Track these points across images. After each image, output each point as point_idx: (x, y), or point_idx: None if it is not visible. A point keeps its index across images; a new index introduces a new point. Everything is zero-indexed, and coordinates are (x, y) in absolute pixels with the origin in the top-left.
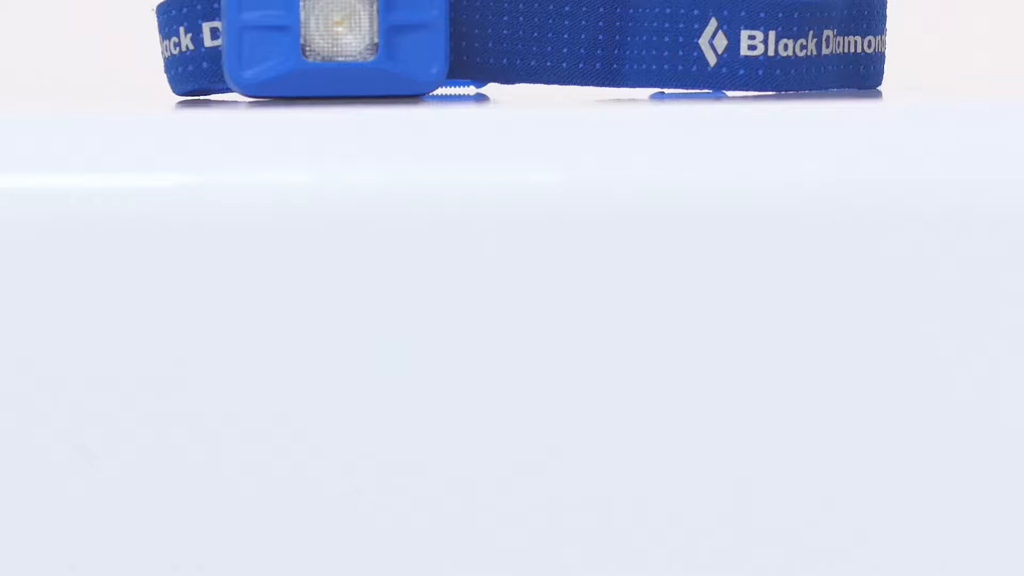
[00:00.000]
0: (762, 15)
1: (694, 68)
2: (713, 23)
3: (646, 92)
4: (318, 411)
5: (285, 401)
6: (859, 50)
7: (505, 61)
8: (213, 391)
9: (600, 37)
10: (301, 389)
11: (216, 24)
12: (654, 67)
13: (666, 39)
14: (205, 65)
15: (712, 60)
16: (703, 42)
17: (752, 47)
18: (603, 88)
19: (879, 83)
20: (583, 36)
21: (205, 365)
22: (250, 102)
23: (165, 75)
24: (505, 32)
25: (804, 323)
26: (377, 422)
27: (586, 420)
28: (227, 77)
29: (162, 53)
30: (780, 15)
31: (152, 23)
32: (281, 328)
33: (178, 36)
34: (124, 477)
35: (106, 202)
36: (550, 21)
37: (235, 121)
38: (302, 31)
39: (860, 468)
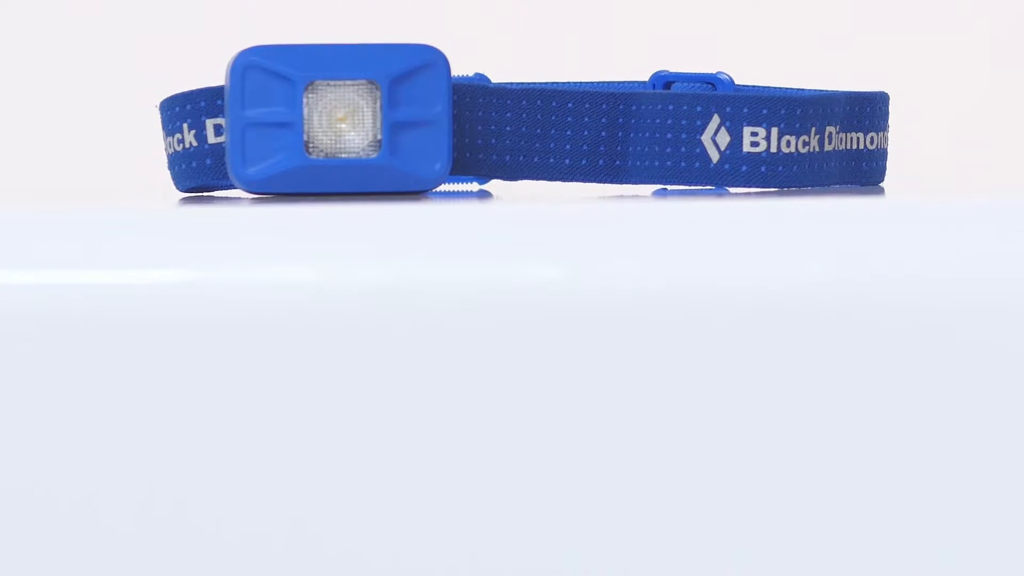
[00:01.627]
0: (764, 112)
1: (697, 165)
2: (716, 120)
3: (649, 189)
4: (323, 512)
5: (287, 501)
6: (861, 146)
7: (508, 158)
8: (215, 484)
9: (603, 134)
10: (302, 486)
11: (219, 121)
12: (657, 164)
13: (668, 136)
14: (208, 162)
15: (715, 157)
16: (706, 139)
17: (755, 144)
18: (606, 185)
19: (881, 179)
20: (586, 133)
21: (207, 458)
22: (253, 199)
23: (168, 171)
24: (508, 129)
25: (805, 419)
26: (381, 522)
27: (593, 529)
28: (230, 174)
29: (165, 149)
30: (783, 112)
31: (155, 120)
32: (282, 426)
33: (182, 133)
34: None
35: (109, 299)
36: (553, 118)
37: (238, 218)
38: (305, 128)
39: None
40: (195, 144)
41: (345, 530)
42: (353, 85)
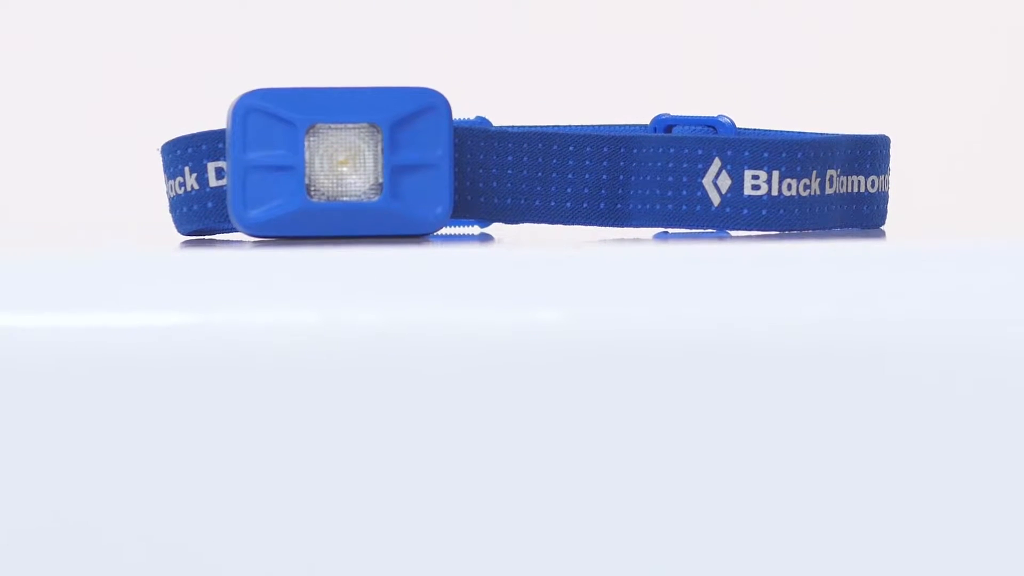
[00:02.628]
0: (765, 155)
1: (698, 208)
2: (717, 163)
3: (650, 232)
4: (327, 551)
5: (289, 541)
6: (862, 190)
7: (509, 201)
8: (218, 525)
9: (604, 177)
10: (305, 527)
11: (221, 164)
12: (658, 207)
13: (670, 179)
14: (210, 205)
15: (716, 200)
16: (707, 182)
17: (756, 187)
18: (607, 228)
19: (883, 223)
20: (587, 176)
21: (212, 500)
22: (255, 242)
23: (170, 214)
24: (509, 172)
25: (804, 462)
26: (383, 553)
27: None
28: (232, 217)
29: (167, 193)
30: (783, 155)
31: (157, 163)
32: (283, 469)
33: (183, 176)
34: None
35: (111, 343)
36: (554, 161)
37: (240, 261)
38: (307, 171)
39: None
40: (196, 187)
41: (349, 564)
42: (354, 128)
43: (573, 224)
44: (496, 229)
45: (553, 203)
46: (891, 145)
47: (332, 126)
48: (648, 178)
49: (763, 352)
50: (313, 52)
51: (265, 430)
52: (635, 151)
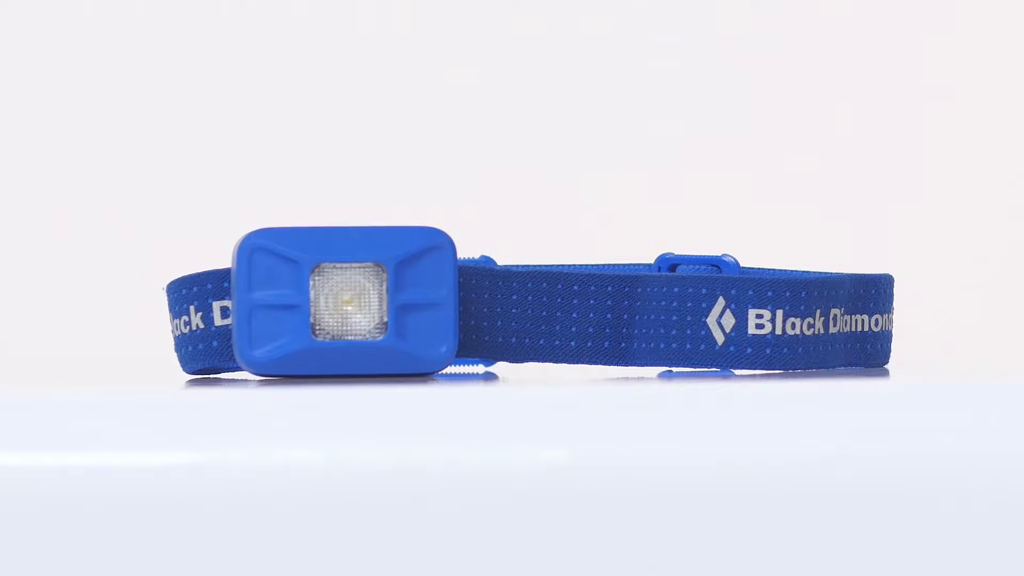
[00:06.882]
0: (770, 294)
1: (702, 347)
2: (721, 302)
3: (655, 371)
4: None
5: None
6: (866, 328)
7: (514, 340)
8: None
9: (608, 316)
10: None
11: (226, 303)
12: (662, 346)
13: (674, 318)
14: (215, 344)
15: (720, 339)
16: (711, 321)
17: (760, 326)
18: (612, 367)
19: (886, 361)
20: (591, 315)
21: None
22: (260, 381)
23: (175, 353)
24: (514, 311)
25: None
26: None
27: None
28: (237, 356)
29: (172, 332)
30: (788, 294)
31: (162, 301)
32: None
33: (188, 315)
34: None
35: (116, 483)
36: (559, 300)
37: (245, 401)
38: (312, 310)
39: None
40: (202, 326)
41: None
42: (359, 267)
43: (578, 363)
44: (501, 368)
45: (558, 342)
46: (895, 284)
47: (337, 265)
48: (652, 317)
49: (767, 492)
50: (318, 191)
51: (266, 570)
52: (639, 290)
